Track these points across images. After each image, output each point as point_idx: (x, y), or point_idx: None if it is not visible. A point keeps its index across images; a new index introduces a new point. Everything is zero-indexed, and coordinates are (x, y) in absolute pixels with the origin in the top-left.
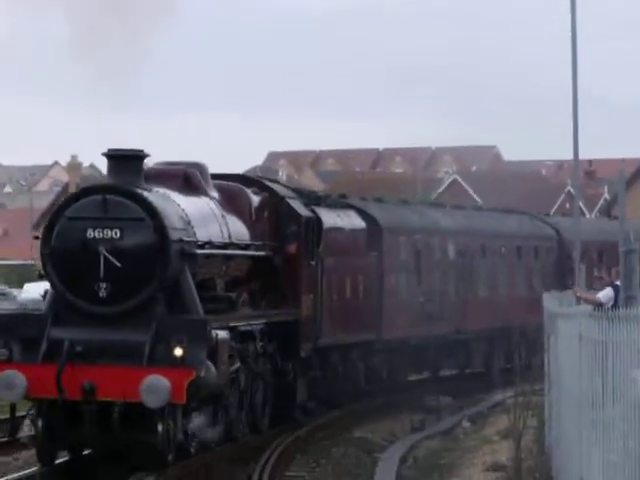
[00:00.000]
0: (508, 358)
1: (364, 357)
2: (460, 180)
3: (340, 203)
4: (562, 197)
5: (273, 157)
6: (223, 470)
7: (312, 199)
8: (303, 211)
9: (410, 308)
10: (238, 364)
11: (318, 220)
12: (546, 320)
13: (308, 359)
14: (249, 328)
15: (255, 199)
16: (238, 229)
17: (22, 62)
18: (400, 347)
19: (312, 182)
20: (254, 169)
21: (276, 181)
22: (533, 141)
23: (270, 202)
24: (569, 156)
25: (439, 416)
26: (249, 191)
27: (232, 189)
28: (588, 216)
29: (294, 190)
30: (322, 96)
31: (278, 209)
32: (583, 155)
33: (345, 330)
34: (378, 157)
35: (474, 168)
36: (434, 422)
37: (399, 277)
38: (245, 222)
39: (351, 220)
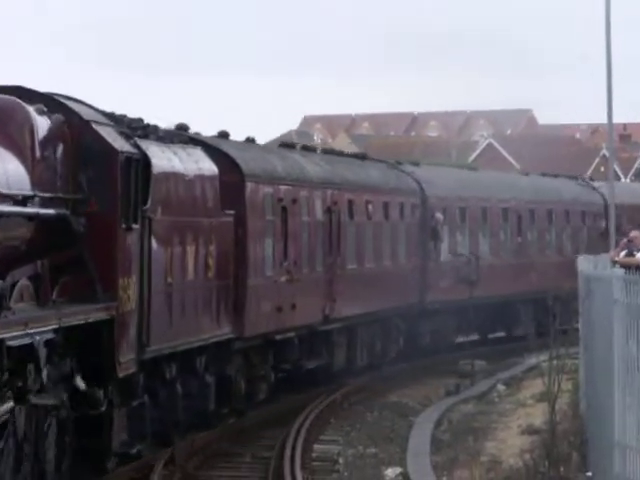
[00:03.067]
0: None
1: (218, 364)
2: (495, 144)
3: (181, 137)
4: (597, 160)
5: (308, 121)
6: (257, 433)
7: (135, 129)
8: (120, 144)
9: (281, 291)
10: (10, 403)
11: (145, 160)
12: (580, 284)
13: (129, 380)
14: (27, 340)
15: (42, 123)
16: (10, 171)
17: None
18: (263, 344)
19: (346, 146)
20: (289, 133)
21: (81, 102)
22: (568, 105)
23: (67, 129)
24: (604, 120)
25: (473, 380)
26: (31, 109)
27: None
28: (623, 180)
29: (108, 115)
30: (356, 61)
31: (80, 141)
32: (618, 119)
33: (189, 329)
34: (413, 121)
35: (509, 132)
36: (468, 386)
37: (266, 246)
38: (23, 160)
39: (197, 162)
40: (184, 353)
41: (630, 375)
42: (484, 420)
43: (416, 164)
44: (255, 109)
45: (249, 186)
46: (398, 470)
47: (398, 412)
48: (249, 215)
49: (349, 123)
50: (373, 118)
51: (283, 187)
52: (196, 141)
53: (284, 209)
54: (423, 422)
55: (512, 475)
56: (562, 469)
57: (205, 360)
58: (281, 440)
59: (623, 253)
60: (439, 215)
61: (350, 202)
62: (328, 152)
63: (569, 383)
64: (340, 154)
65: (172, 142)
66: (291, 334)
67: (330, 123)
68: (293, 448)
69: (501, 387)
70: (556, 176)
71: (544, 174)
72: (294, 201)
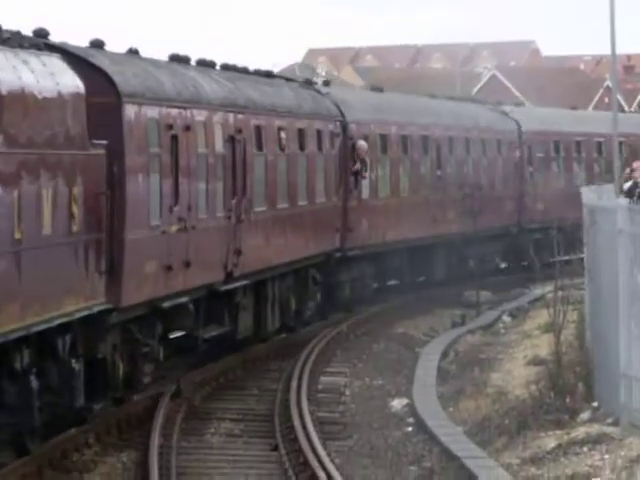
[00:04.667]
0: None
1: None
2: (499, 75)
3: (34, 42)
4: (600, 92)
5: (312, 54)
6: (264, 366)
7: None
8: None
9: (171, 245)
10: None
11: None
12: (585, 214)
13: None
14: None
15: None
16: None
17: None
18: (148, 314)
19: (351, 78)
20: (293, 66)
21: None
22: (571, 36)
23: None
24: (607, 51)
25: (479, 311)
26: None
27: None
28: (627, 110)
29: None
30: None
31: None
32: (622, 50)
33: (45, 302)
34: (417, 53)
35: (512, 63)
36: (474, 317)
37: (151, 187)
38: None
39: (56, 76)
40: (40, 334)
41: (635, 305)
42: (490, 351)
43: (327, 83)
44: (259, 42)
45: (128, 109)
46: (404, 401)
47: (404, 343)
48: (127, 147)
49: (353, 56)
50: (377, 51)
51: (173, 110)
52: (56, 49)
53: (174, 139)
54: (429, 353)
55: (518, 406)
56: (568, 400)
57: (70, 341)
58: (287, 372)
59: (628, 184)
60: (363, 143)
61: (258, 129)
62: (230, 68)
63: (574, 314)
64: (244, 71)
65: (21, 47)
66: (184, 299)
67: (334, 56)
68: (299, 380)
69: (507, 318)
70: (461, 99)
71: (451, 98)
72: (187, 128)
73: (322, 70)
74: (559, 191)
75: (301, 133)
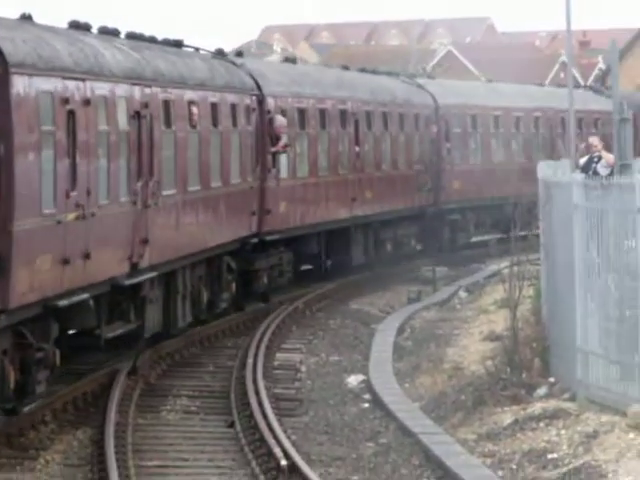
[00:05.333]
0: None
1: None
2: (455, 51)
3: None
4: (556, 67)
5: (268, 31)
6: (220, 342)
7: None
8: None
9: (67, 235)
10: None
11: None
12: (541, 190)
13: None
14: None
15: None
16: None
17: None
18: (42, 314)
19: (307, 55)
20: (249, 44)
21: None
22: (527, 12)
23: None
24: (563, 27)
25: (435, 287)
26: None
27: None
28: (583, 85)
29: None
30: None
31: None
32: (577, 26)
33: None
34: (373, 30)
35: (468, 40)
36: (430, 293)
37: (44, 170)
38: None
39: None
40: None
41: (591, 280)
42: (446, 327)
43: (240, 54)
44: (214, 20)
45: (16, 80)
46: (360, 377)
47: (360, 320)
48: (16, 124)
49: (308, 32)
50: (332, 27)
51: (70, 82)
52: None
53: (71, 114)
54: (385, 329)
55: (474, 381)
56: (524, 375)
57: None
58: (243, 349)
59: (584, 159)
60: (281, 118)
61: (166, 104)
62: (136, 37)
63: (530, 289)
64: (152, 40)
65: None
66: (84, 295)
67: (289, 33)
68: (255, 357)
69: (463, 294)
70: (375, 72)
71: (363, 69)
72: (86, 103)
73: (277, 47)
74: (477, 169)
75: (214, 108)
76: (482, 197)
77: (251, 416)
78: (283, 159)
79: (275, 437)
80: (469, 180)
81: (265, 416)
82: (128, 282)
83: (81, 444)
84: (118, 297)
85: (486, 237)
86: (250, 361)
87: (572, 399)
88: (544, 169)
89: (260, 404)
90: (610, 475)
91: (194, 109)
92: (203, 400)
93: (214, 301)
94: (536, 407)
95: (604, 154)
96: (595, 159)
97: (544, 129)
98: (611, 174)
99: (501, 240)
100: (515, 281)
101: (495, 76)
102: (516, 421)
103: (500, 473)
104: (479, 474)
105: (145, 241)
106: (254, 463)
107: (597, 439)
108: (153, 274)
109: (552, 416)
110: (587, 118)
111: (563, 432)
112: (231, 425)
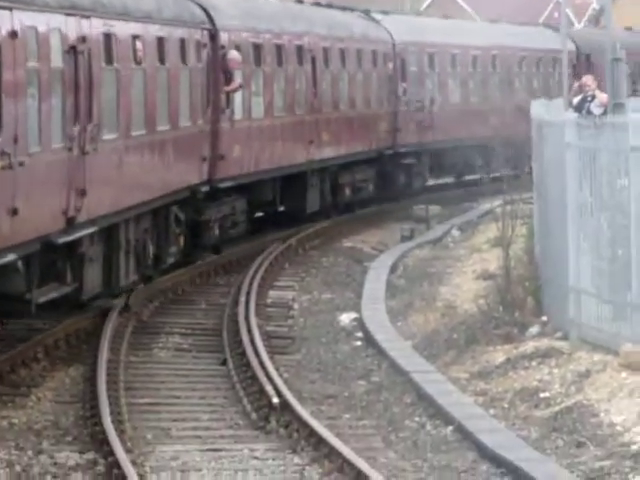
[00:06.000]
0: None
1: None
2: None
3: None
4: (551, 6)
5: None
6: (212, 280)
7: None
8: None
9: None
10: None
11: None
12: (534, 129)
13: None
14: None
15: None
16: None
17: None
18: None
19: None
20: None
21: None
22: None
23: None
24: None
25: (428, 225)
26: None
27: None
28: (577, 25)
29: None
30: None
31: None
32: None
33: None
34: None
35: None
36: (423, 231)
37: None
38: None
39: None
40: None
41: (584, 219)
42: (439, 265)
43: None
44: None
45: None
46: (353, 315)
47: (353, 257)
48: None
49: None
50: None
51: None
52: None
53: None
54: (378, 267)
55: (467, 320)
56: (517, 314)
57: None
58: (236, 287)
59: (577, 98)
60: (235, 53)
61: (107, 38)
62: None
63: (523, 228)
64: None
65: None
66: (10, 256)
67: None
68: (247, 294)
69: (456, 232)
70: (330, 6)
71: (317, 3)
72: (13, 35)
73: None
74: (434, 110)
75: (161, 43)
76: (439, 140)
77: (243, 354)
78: (237, 99)
79: (267, 375)
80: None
81: (257, 354)
82: (63, 240)
83: (73, 381)
84: (52, 256)
85: (441, 181)
86: (242, 299)
87: (564, 338)
88: (537, 108)
89: (252, 342)
90: (602, 414)
91: (138, 44)
92: (195, 338)
93: (161, 256)
94: (528, 346)
95: (598, 93)
96: (589, 98)
97: (501, 68)
98: (604, 113)
99: (459, 183)
100: (508, 220)
101: (489, 15)
102: (508, 360)
103: (492, 412)
104: (471, 413)
105: (83, 192)
106: (245, 401)
107: (589, 378)
108: (92, 229)
109: (544, 355)
110: (530, 57)
111: (555, 371)
112: (223, 363)
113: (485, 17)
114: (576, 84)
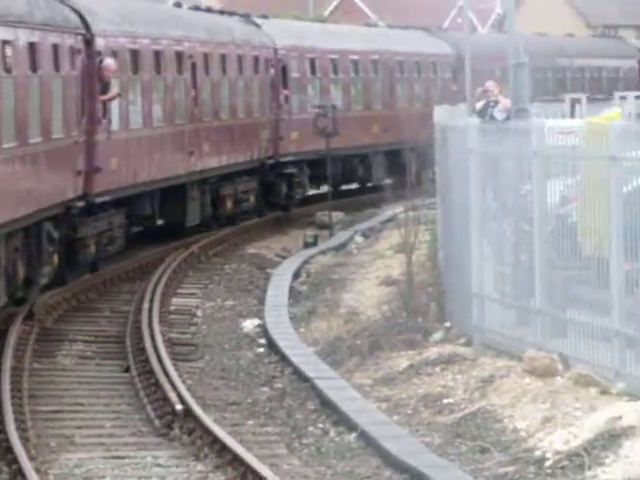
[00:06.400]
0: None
1: None
2: None
3: None
4: (454, 12)
5: None
6: (116, 287)
7: None
8: None
9: None
10: None
11: None
12: (437, 134)
13: None
14: None
15: None
16: None
17: None
18: None
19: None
20: None
21: None
22: None
23: None
24: None
25: (332, 232)
26: None
27: None
28: (481, 30)
29: None
30: None
31: None
32: None
33: None
34: None
35: None
36: (327, 238)
37: None
38: None
39: None
40: None
41: (487, 225)
42: (342, 272)
43: None
44: None
45: None
46: (256, 322)
47: (256, 264)
48: None
49: None
50: None
51: None
52: None
53: None
54: (281, 274)
55: (370, 326)
56: (420, 320)
57: None
58: (139, 294)
59: (480, 103)
60: (110, 61)
61: None
62: None
63: (427, 234)
64: None
65: None
66: None
67: None
68: (151, 301)
69: (359, 238)
70: (209, 10)
71: (196, 7)
72: None
73: None
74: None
75: (32, 49)
76: (319, 149)
77: (146, 361)
78: (114, 109)
79: (170, 382)
80: (308, 130)
81: (160, 361)
82: None
83: None
84: None
85: (323, 190)
86: (146, 306)
87: (468, 344)
88: (440, 114)
89: (156, 349)
90: (506, 420)
91: (8, 50)
92: (99, 345)
93: (32, 277)
94: (432, 352)
95: (501, 99)
96: (492, 104)
97: (383, 73)
98: (507, 118)
99: (339, 193)
100: (411, 226)
101: (393, 22)
102: (412, 366)
103: (395, 418)
104: (374, 419)
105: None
106: (149, 408)
107: (493, 384)
108: None
109: (448, 361)
110: (408, 61)
111: (459, 377)
112: (127, 370)
113: (388, 23)
114: (479, 89)
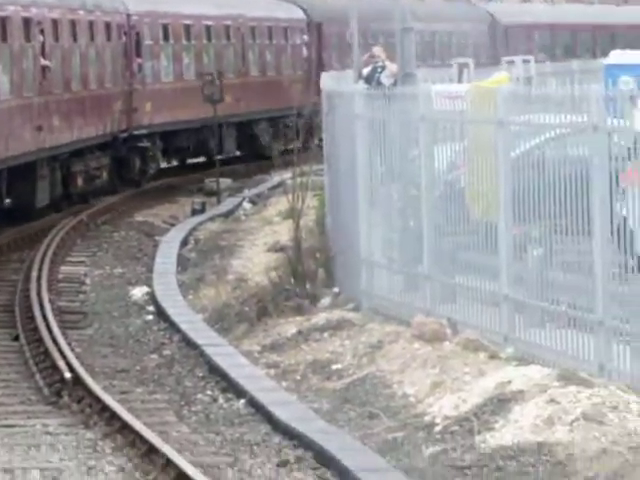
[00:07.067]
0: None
1: None
2: None
3: None
4: None
5: None
6: (4, 255)
7: None
8: None
9: None
10: None
11: None
12: (324, 100)
13: None
14: None
15: None
16: None
17: None
18: None
19: None
20: None
21: None
22: None
23: None
24: None
25: (220, 198)
26: None
27: None
28: None
29: None
30: None
31: None
32: None
33: None
34: None
35: None
36: (215, 205)
37: None
38: None
39: None
40: None
41: (374, 190)
42: (230, 238)
43: None
44: None
45: None
46: (145, 289)
47: (144, 232)
48: None
49: None
50: None
51: None
52: None
53: None
54: (169, 241)
55: (258, 292)
56: (308, 286)
57: None
58: (28, 262)
59: (367, 69)
60: None
61: None
62: None
63: (315, 200)
64: None
65: None
66: None
67: None
68: (39, 270)
69: (247, 205)
70: None
71: None
72: None
73: None
74: (169, 88)
75: None
76: (176, 120)
77: (35, 329)
78: None
79: (59, 350)
80: (162, 101)
81: (49, 329)
82: None
83: None
84: None
85: (176, 163)
86: (34, 274)
87: (356, 310)
88: (326, 79)
89: (44, 317)
90: (395, 386)
91: None
92: None
93: None
94: (320, 318)
95: (388, 64)
96: (379, 69)
97: (235, 39)
98: (395, 84)
99: (204, 165)
100: (299, 192)
101: None
102: (300, 332)
103: (284, 384)
104: (263, 385)
105: None
106: (38, 376)
107: (382, 349)
108: None
109: (336, 327)
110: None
111: (347, 343)
112: (16, 338)
113: None
114: (366, 55)
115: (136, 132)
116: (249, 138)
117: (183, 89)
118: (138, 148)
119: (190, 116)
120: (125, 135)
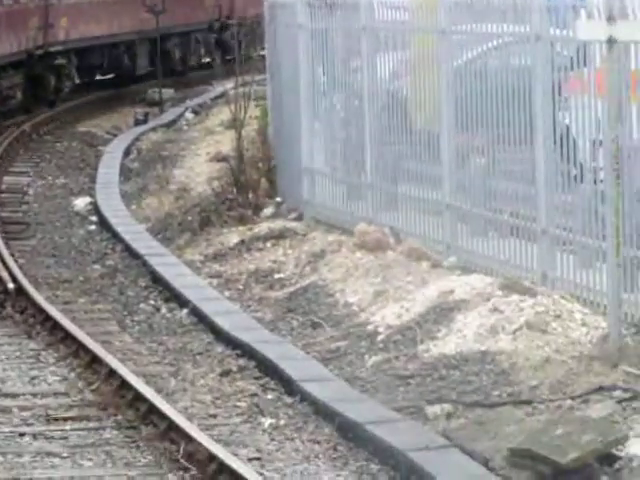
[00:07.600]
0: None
1: None
2: None
3: None
4: None
5: None
6: None
7: None
8: None
9: None
10: None
11: None
12: (265, 10)
13: None
14: None
15: None
16: None
17: None
18: None
19: None
20: None
21: None
22: None
23: None
24: None
25: (162, 109)
26: None
27: None
28: None
29: None
30: None
31: None
32: None
33: None
34: None
35: None
36: (157, 115)
37: None
38: None
39: None
40: None
41: (316, 100)
42: (173, 148)
43: None
44: None
45: None
46: (87, 200)
47: (87, 142)
48: None
49: None
50: None
51: None
52: None
53: None
54: (112, 152)
55: (201, 202)
56: (251, 195)
57: None
58: None
59: None
60: None
61: None
62: None
63: (257, 110)
64: None
65: None
66: None
67: None
68: None
69: (189, 115)
70: None
71: None
72: None
73: None
74: (86, 2)
75: None
76: (95, 36)
77: None
78: None
79: (2, 260)
80: (78, 17)
81: None
82: None
83: None
84: None
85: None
86: None
87: (299, 219)
88: None
89: None
90: (337, 295)
91: None
92: None
93: None
94: (262, 227)
95: None
96: None
97: None
98: None
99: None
100: (241, 102)
101: None
102: (242, 242)
103: (227, 294)
104: (206, 295)
105: None
106: None
107: (324, 259)
108: None
109: (279, 236)
110: None
111: (290, 252)
112: None
113: None
114: None
115: (52, 49)
116: (162, 54)
117: (99, 3)
118: (53, 66)
119: (107, 31)
120: (40, 52)
